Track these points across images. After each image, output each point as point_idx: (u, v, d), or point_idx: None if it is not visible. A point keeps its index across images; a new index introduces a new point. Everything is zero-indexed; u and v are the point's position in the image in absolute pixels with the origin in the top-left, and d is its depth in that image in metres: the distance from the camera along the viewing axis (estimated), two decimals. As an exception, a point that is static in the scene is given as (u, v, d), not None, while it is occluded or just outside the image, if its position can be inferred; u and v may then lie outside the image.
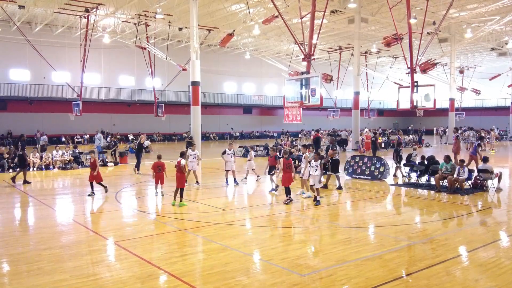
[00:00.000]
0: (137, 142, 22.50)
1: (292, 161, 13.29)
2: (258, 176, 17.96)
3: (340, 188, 15.73)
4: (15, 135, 42.32)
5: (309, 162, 13.25)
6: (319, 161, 12.94)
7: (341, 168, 20.47)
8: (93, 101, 45.53)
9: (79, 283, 6.65)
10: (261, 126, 60.68)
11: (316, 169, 12.75)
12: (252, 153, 18.16)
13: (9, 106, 42.73)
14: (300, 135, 53.93)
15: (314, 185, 12.88)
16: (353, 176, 18.92)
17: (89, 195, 14.29)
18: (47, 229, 10.18)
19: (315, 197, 12.85)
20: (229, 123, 58.07)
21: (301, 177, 14.14)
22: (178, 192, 12.64)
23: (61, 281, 6.73)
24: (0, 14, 31.78)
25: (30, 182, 17.64)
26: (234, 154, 17.12)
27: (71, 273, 7.08)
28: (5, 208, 12.95)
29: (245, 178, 17.50)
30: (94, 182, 14.34)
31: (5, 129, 42.56)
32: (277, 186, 14.82)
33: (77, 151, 24.87)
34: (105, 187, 14.56)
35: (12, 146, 28.77)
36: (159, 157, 14.61)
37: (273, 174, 15.23)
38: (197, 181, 16.50)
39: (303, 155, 14.64)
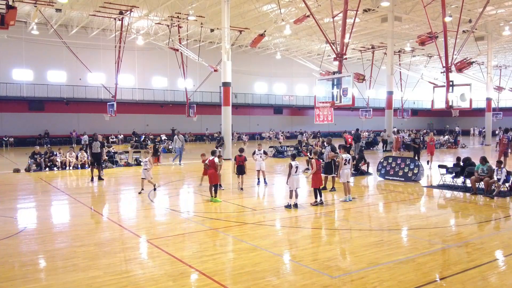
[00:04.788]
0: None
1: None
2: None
3: (333, 189, 15.32)
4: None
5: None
6: (293, 162, 12.18)
7: (373, 169, 20.40)
8: (127, 102, 46.46)
9: (112, 280, 6.78)
10: (291, 126, 60.49)
11: (296, 170, 12.16)
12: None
13: (46, 107, 44.05)
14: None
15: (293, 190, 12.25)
16: (385, 177, 18.61)
17: None
18: (82, 227, 10.43)
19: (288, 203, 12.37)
20: (259, 124, 58.18)
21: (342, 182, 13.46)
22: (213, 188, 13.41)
23: (95, 277, 6.87)
24: (38, 17, 32.75)
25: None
26: (265, 154, 17.07)
27: (105, 270, 7.23)
28: (42, 206, 13.37)
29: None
30: None
31: (43, 129, 43.90)
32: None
33: (112, 150, 25.39)
34: None
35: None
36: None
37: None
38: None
39: (339, 156, 14.12)
